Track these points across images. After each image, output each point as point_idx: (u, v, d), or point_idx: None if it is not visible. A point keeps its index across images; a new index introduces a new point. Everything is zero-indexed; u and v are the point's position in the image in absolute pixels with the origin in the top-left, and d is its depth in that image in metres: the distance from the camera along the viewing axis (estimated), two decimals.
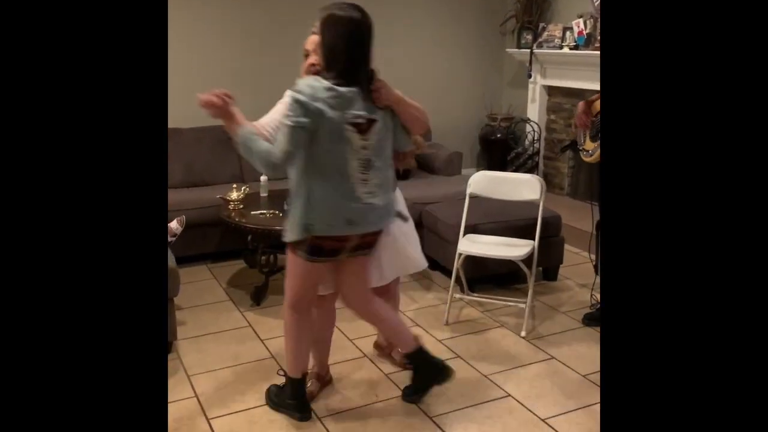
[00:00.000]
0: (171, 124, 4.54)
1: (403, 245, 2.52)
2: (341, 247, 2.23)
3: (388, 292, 2.61)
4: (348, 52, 2.06)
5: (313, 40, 2.25)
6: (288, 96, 2.13)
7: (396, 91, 2.18)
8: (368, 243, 2.30)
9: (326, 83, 2.05)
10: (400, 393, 2.64)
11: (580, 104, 3.17)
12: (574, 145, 3.28)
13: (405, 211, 2.54)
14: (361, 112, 2.10)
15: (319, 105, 2.03)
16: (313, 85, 2.05)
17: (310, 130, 2.05)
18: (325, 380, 2.66)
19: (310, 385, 2.60)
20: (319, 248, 2.21)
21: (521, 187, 3.29)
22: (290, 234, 2.20)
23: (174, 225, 3.26)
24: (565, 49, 5.05)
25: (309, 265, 2.26)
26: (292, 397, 2.45)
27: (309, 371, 2.65)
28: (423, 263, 2.63)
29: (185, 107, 4.72)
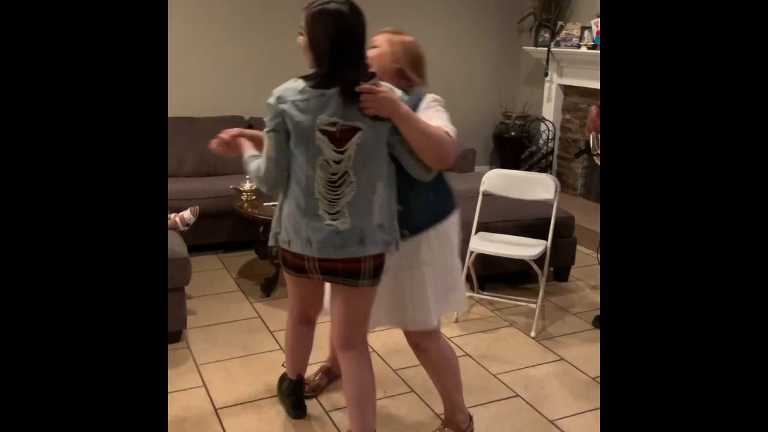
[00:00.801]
0: (185, 113, 4.55)
1: (393, 295, 2.10)
2: (302, 266, 2.00)
3: (416, 347, 2.22)
4: (333, 50, 1.83)
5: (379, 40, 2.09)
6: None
7: (401, 105, 1.85)
8: (345, 270, 1.96)
9: (301, 84, 1.87)
10: (408, 389, 2.64)
11: (593, 108, 3.15)
12: (588, 150, 3.26)
13: (428, 252, 2.07)
14: (334, 118, 1.84)
15: (285, 107, 1.87)
16: (287, 86, 1.90)
17: (280, 133, 1.91)
18: (334, 375, 2.65)
19: (318, 378, 2.61)
20: (285, 259, 2.06)
21: (535, 186, 3.27)
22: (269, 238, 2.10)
23: (187, 215, 3.27)
24: (583, 49, 5.01)
25: (289, 276, 2.14)
26: (288, 394, 2.45)
27: (323, 363, 2.67)
28: (414, 323, 2.13)
29: (199, 96, 4.74)
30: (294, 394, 2.44)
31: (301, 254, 1.97)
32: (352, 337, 2.08)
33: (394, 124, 1.87)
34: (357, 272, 1.96)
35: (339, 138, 1.86)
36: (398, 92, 1.92)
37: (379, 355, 2.90)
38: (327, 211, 1.90)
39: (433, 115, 1.95)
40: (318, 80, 1.86)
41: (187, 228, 3.27)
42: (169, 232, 3.07)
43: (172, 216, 3.25)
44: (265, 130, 1.94)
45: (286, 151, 1.94)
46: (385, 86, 1.88)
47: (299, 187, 1.92)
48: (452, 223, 2.13)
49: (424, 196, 2.04)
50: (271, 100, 1.91)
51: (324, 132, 1.86)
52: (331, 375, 2.66)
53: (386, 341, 2.99)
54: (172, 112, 4.37)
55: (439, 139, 1.88)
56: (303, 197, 1.92)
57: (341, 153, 1.87)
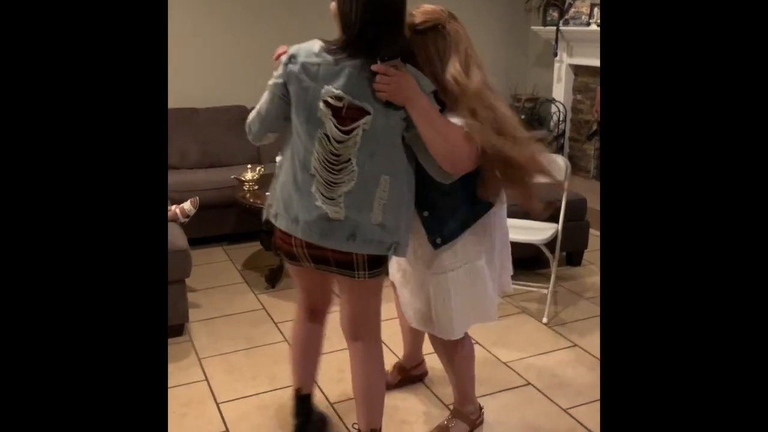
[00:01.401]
0: (187, 104, 4.49)
1: (419, 300, 2.00)
2: (291, 251, 1.84)
3: (433, 336, 2.10)
4: (361, 17, 1.62)
5: None
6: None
7: (418, 95, 1.65)
8: (336, 260, 1.79)
9: (318, 46, 1.69)
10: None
11: None
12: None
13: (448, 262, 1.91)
14: (341, 92, 1.65)
15: (294, 69, 1.69)
16: (303, 45, 1.73)
17: (279, 93, 1.75)
18: (408, 373, 2.48)
19: (391, 376, 2.43)
20: (276, 242, 1.90)
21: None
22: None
23: (187, 206, 3.21)
24: (593, 26, 4.88)
25: (290, 265, 1.95)
26: (293, 413, 2.14)
27: (398, 360, 2.52)
28: (439, 332, 2.01)
29: (201, 87, 4.68)
30: (297, 415, 2.12)
31: (287, 234, 1.81)
32: (359, 329, 1.93)
33: (409, 115, 1.68)
34: (350, 263, 1.79)
35: (345, 116, 1.68)
36: (425, 81, 1.71)
37: (385, 345, 2.82)
38: (322, 192, 1.73)
39: None
40: (336, 48, 1.67)
41: (187, 219, 3.21)
42: (170, 224, 3.01)
43: (172, 207, 3.19)
44: (269, 81, 1.79)
45: (276, 115, 1.80)
46: (410, 70, 1.68)
47: (298, 159, 1.76)
48: (483, 224, 1.94)
49: (455, 200, 1.87)
50: (284, 57, 1.74)
51: (328, 105, 1.68)
52: (402, 371, 2.47)
53: (392, 330, 2.91)
54: (173, 103, 4.31)
55: (454, 140, 1.67)
56: (300, 170, 1.75)
57: (345, 134, 1.68)
